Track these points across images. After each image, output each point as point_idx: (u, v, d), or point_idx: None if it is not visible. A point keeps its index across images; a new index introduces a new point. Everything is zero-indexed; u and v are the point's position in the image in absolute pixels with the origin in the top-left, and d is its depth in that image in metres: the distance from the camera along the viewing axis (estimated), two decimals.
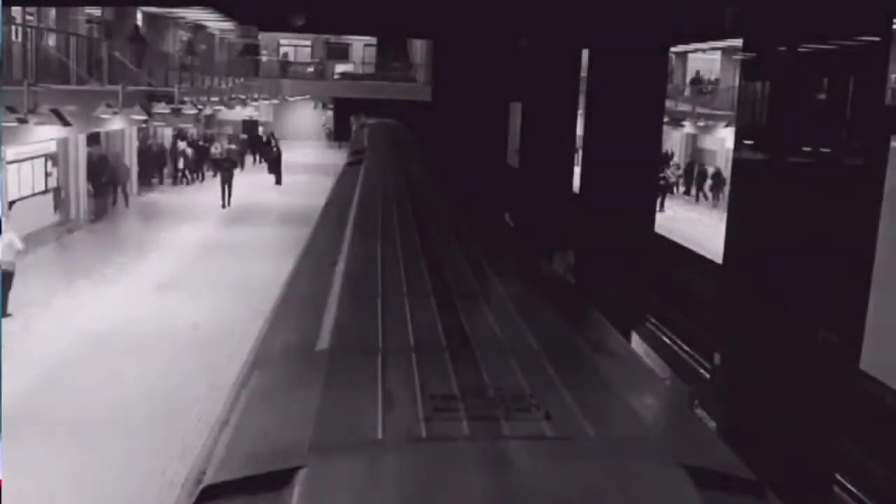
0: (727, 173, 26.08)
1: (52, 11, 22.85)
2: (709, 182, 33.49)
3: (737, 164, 9.26)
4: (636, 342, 12.17)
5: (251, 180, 33.66)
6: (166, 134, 33.52)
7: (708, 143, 36.69)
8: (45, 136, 16.92)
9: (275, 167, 35.25)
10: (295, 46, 49.12)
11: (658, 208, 29.49)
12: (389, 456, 2.36)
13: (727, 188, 27.83)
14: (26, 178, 21.10)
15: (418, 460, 2.35)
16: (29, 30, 17.68)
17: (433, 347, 3.25)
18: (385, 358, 3.11)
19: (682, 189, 35.43)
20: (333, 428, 2.54)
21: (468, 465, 2.28)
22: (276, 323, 4.20)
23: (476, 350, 3.18)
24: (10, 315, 14.30)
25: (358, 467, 2.30)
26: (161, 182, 32.60)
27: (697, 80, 37.89)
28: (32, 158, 21.37)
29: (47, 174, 22.30)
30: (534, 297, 4.69)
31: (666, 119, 20.14)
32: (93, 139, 24.82)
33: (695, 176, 34.77)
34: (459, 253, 5.49)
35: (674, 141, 37.67)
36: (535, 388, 2.79)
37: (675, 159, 37.35)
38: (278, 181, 34.25)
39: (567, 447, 2.44)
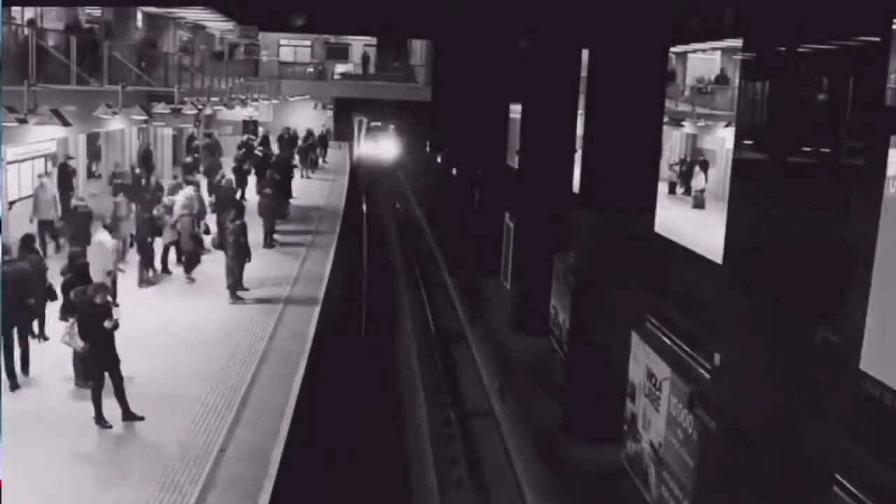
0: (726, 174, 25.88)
1: (53, 11, 22.86)
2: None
3: (737, 164, 9.27)
4: (636, 342, 12.17)
5: None
6: None
7: (707, 143, 36.64)
8: (45, 136, 16.90)
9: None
10: (295, 46, 49.11)
11: None
12: None
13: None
14: (26, 179, 21.10)
15: None
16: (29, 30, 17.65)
17: None
18: None
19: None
20: None
21: None
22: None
23: None
24: None
25: None
26: None
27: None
28: (32, 159, 21.37)
29: (47, 174, 22.29)
30: None
31: (665, 119, 20.13)
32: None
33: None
34: None
35: (674, 141, 37.57)
36: None
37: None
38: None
39: None
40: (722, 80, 36.86)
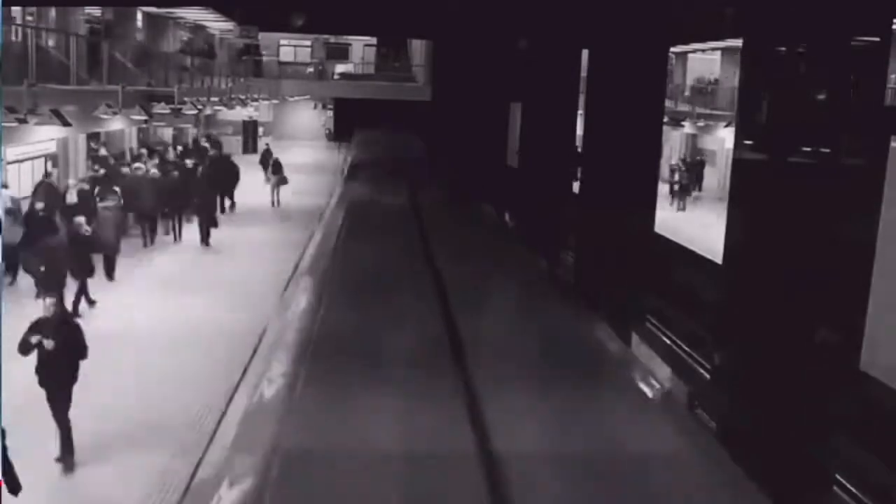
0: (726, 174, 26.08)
1: (52, 11, 22.87)
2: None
3: (737, 164, 9.26)
4: (636, 342, 12.16)
5: None
6: None
7: (708, 142, 36.66)
8: (45, 136, 16.90)
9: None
10: (295, 46, 49.12)
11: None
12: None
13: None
14: (26, 178, 21.10)
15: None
16: (29, 30, 17.66)
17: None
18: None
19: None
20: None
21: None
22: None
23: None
24: None
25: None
26: None
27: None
28: (32, 159, 21.39)
29: (47, 174, 22.27)
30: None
31: (665, 119, 20.12)
32: None
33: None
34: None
35: (674, 141, 37.61)
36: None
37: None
38: None
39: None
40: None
